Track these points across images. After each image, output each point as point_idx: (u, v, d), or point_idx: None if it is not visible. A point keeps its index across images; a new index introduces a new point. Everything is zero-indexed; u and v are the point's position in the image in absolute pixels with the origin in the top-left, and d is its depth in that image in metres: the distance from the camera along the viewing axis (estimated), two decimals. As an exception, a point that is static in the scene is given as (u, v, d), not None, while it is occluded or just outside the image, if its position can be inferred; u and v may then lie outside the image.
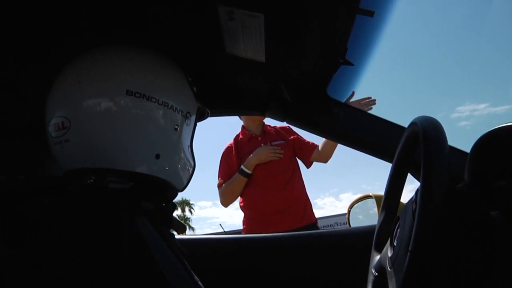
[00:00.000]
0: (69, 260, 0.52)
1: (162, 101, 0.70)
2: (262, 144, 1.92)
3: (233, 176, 1.91)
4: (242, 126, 2.04)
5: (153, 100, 0.69)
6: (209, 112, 0.87)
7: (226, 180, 1.95)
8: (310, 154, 1.95)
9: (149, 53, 0.76)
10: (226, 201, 1.97)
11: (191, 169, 0.81)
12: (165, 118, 0.71)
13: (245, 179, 1.88)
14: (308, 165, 2.01)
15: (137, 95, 0.68)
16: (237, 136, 2.05)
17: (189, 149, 0.81)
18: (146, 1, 0.79)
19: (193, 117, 0.79)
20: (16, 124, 0.95)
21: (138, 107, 0.68)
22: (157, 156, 0.71)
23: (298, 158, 1.99)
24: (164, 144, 0.73)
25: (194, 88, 0.80)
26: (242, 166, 1.88)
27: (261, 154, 1.86)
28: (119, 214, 0.59)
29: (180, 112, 0.74)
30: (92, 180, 0.67)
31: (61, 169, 0.72)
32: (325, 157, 1.93)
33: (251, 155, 1.87)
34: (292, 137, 1.97)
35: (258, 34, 0.82)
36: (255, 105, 1.20)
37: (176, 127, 0.74)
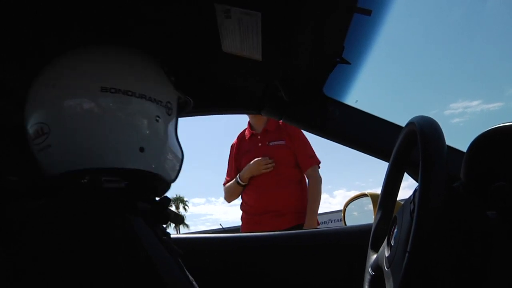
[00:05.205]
0: (65, 261, 0.51)
1: (139, 94, 0.69)
2: (260, 144, 1.96)
3: (233, 180, 2.01)
4: (248, 122, 2.05)
5: (130, 93, 0.68)
6: (192, 101, 0.85)
7: (230, 177, 2.06)
8: (304, 169, 1.95)
9: (120, 47, 0.75)
10: (227, 200, 2.09)
11: (179, 159, 0.80)
12: (144, 110, 0.70)
13: (240, 187, 1.99)
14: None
15: (113, 90, 0.67)
16: (243, 132, 2.08)
17: (175, 138, 0.79)
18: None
19: (174, 107, 0.78)
20: (8, 124, 0.93)
21: (115, 102, 0.67)
22: (141, 149, 0.70)
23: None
24: (147, 136, 0.71)
25: (172, 78, 0.78)
26: (237, 177, 1.98)
27: (252, 169, 1.92)
28: (115, 214, 0.58)
29: (159, 103, 0.73)
30: (86, 181, 0.66)
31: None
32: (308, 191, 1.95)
33: (245, 168, 1.94)
34: (296, 143, 1.94)
35: (255, 33, 0.82)
36: (251, 104, 1.19)
37: (158, 118, 0.72)
